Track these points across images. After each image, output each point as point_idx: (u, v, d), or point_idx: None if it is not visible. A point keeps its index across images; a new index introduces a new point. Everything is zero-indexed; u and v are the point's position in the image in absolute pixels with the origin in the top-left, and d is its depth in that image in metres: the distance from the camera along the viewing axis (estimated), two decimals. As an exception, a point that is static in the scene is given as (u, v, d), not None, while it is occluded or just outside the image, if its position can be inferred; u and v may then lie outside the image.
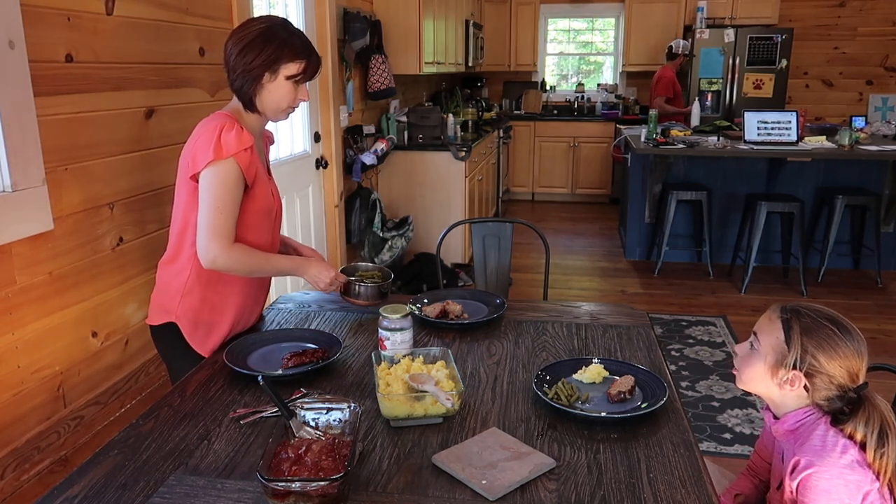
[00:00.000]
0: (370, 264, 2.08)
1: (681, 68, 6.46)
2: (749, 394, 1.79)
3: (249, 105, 1.75)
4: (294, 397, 1.45)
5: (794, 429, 1.37)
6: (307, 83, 1.79)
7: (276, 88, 1.72)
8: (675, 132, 5.21)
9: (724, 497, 1.62)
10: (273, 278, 1.89)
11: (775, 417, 1.42)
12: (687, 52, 6.38)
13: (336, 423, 1.30)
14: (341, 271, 1.96)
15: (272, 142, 2.05)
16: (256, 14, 3.04)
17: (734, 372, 1.47)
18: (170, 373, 1.89)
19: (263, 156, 1.90)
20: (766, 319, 1.41)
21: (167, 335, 1.80)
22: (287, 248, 2.02)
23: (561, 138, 7.65)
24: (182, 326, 1.78)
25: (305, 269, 1.83)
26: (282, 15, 3.52)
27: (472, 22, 6.29)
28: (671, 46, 6.42)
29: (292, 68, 1.71)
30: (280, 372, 1.62)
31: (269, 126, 1.91)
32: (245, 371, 1.61)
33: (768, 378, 1.37)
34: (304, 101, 1.81)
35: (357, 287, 1.93)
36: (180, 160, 1.74)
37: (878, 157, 4.67)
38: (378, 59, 4.39)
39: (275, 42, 1.69)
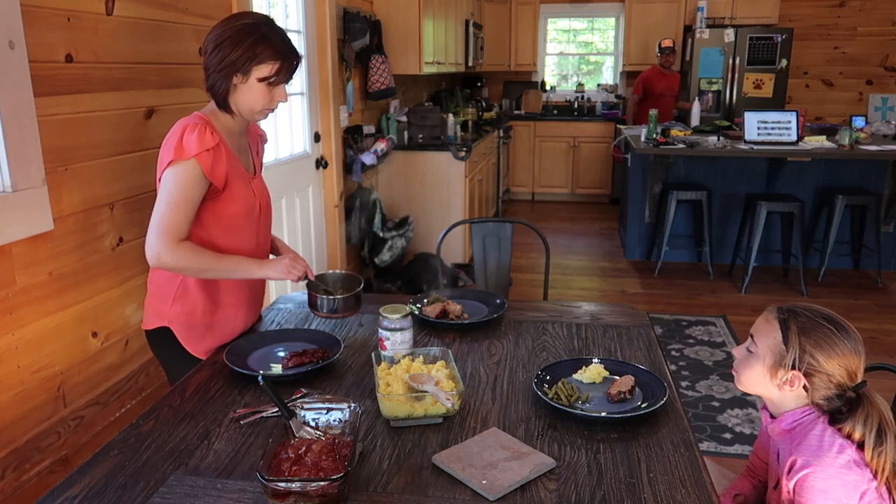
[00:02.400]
0: (336, 272, 1.95)
1: (665, 66, 6.50)
2: (749, 394, 1.79)
3: (223, 105, 1.69)
4: (294, 397, 1.45)
5: (790, 428, 1.37)
6: (286, 84, 1.72)
7: (248, 90, 1.66)
8: (675, 132, 5.21)
9: (723, 497, 1.62)
10: (271, 279, 1.86)
11: (772, 417, 1.43)
12: (665, 49, 6.43)
13: (336, 423, 1.30)
14: (308, 285, 1.82)
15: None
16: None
17: (733, 373, 1.47)
18: (168, 376, 1.87)
19: (248, 155, 1.85)
20: (762, 321, 1.41)
21: (162, 339, 1.78)
22: (273, 248, 1.98)
23: (561, 138, 7.65)
24: (176, 330, 1.76)
25: (267, 269, 1.73)
26: (282, 15, 3.52)
27: (472, 22, 6.29)
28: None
29: (264, 70, 1.64)
30: (280, 372, 1.62)
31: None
32: (245, 371, 1.61)
33: (768, 379, 1.38)
34: (283, 102, 1.74)
35: (323, 302, 1.80)
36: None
37: (878, 157, 4.67)
38: (378, 59, 4.39)
39: (246, 42, 1.62)
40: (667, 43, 6.44)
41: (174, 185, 1.61)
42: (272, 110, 1.76)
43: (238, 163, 1.75)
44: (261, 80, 1.65)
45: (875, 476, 1.28)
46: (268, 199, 1.89)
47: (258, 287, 1.92)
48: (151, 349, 1.85)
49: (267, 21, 1.68)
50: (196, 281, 1.75)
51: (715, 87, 6.67)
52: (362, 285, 1.85)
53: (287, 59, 1.67)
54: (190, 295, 1.75)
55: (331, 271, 1.96)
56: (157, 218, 1.61)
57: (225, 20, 1.67)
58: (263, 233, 1.88)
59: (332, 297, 1.81)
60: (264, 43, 1.63)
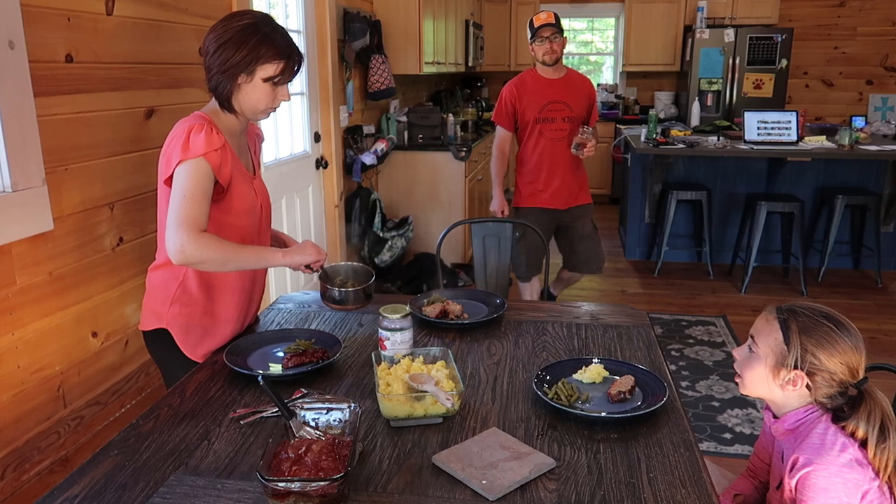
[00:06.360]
0: (349, 264, 1.95)
1: (547, 63, 3.58)
2: (751, 396, 1.78)
3: (226, 105, 1.70)
4: (294, 397, 1.45)
5: (793, 428, 1.37)
6: (288, 83, 1.73)
7: (252, 90, 1.67)
8: (675, 132, 5.21)
9: (723, 497, 1.62)
10: (269, 278, 1.83)
11: (775, 417, 1.43)
12: (542, 30, 3.46)
13: (336, 423, 1.30)
14: (319, 277, 1.83)
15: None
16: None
17: (736, 379, 1.47)
18: (164, 378, 1.87)
19: (247, 155, 1.85)
20: (762, 321, 1.41)
21: (159, 341, 1.77)
22: (277, 241, 1.98)
23: (561, 138, 7.63)
24: (173, 332, 1.75)
25: (293, 256, 1.72)
26: (282, 15, 3.52)
27: (472, 22, 6.29)
28: None
29: (269, 69, 1.65)
30: (280, 372, 1.62)
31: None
32: (245, 371, 1.61)
33: (770, 380, 1.38)
34: (285, 100, 1.75)
35: (338, 293, 1.80)
36: (158, 166, 1.70)
37: (878, 157, 4.67)
38: (378, 59, 4.39)
39: (251, 41, 1.62)
40: (542, 19, 3.44)
41: (187, 179, 1.59)
42: (275, 109, 1.77)
43: (240, 163, 1.76)
44: (266, 79, 1.66)
45: (877, 474, 1.28)
46: (268, 199, 1.90)
47: (257, 289, 1.92)
48: (148, 350, 1.84)
49: (267, 20, 1.68)
50: (196, 282, 1.74)
51: (715, 87, 6.67)
52: (374, 278, 1.86)
53: (291, 58, 1.68)
54: (189, 296, 1.75)
55: (343, 263, 1.96)
56: (174, 211, 1.57)
57: (224, 20, 1.67)
58: (264, 232, 1.88)
59: (343, 289, 1.80)
60: (267, 43, 1.63)
